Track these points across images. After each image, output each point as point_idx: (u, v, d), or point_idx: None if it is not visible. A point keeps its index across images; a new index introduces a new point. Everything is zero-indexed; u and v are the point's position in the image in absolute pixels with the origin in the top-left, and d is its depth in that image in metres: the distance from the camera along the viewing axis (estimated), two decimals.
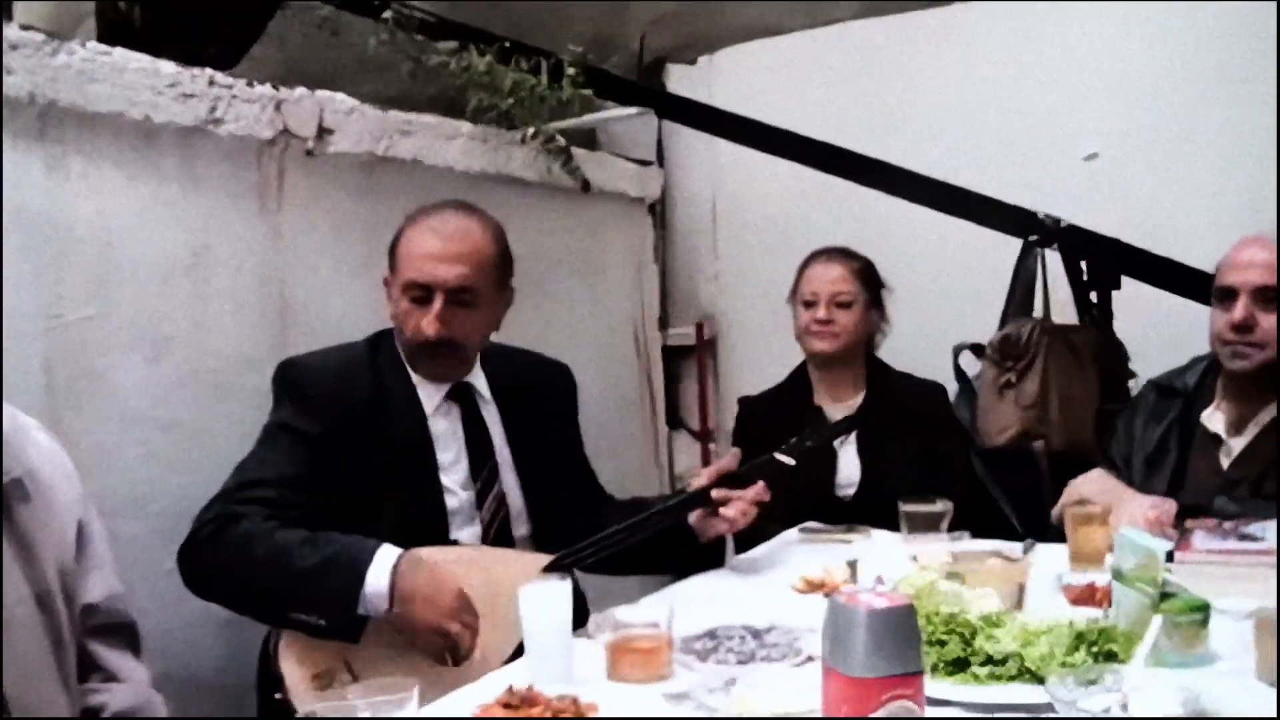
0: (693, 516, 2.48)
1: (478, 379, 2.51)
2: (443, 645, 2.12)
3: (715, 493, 2.44)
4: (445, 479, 2.40)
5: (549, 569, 2.22)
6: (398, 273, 2.39)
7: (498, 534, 2.43)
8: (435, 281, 2.33)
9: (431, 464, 2.40)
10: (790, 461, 2.56)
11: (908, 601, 1.36)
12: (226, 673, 2.65)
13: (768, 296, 3.62)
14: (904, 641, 1.33)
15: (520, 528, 2.48)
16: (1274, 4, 3.54)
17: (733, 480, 2.46)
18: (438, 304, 2.33)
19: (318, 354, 2.50)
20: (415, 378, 2.44)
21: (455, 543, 2.37)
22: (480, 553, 2.35)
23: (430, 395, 2.44)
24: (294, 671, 2.15)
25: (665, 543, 2.46)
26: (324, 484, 2.29)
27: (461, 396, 2.48)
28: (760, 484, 2.47)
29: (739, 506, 2.44)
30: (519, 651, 2.08)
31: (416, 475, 2.38)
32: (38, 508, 1.70)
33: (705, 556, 2.58)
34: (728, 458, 2.54)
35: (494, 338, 2.58)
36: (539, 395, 2.59)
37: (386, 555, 2.12)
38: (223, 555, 2.17)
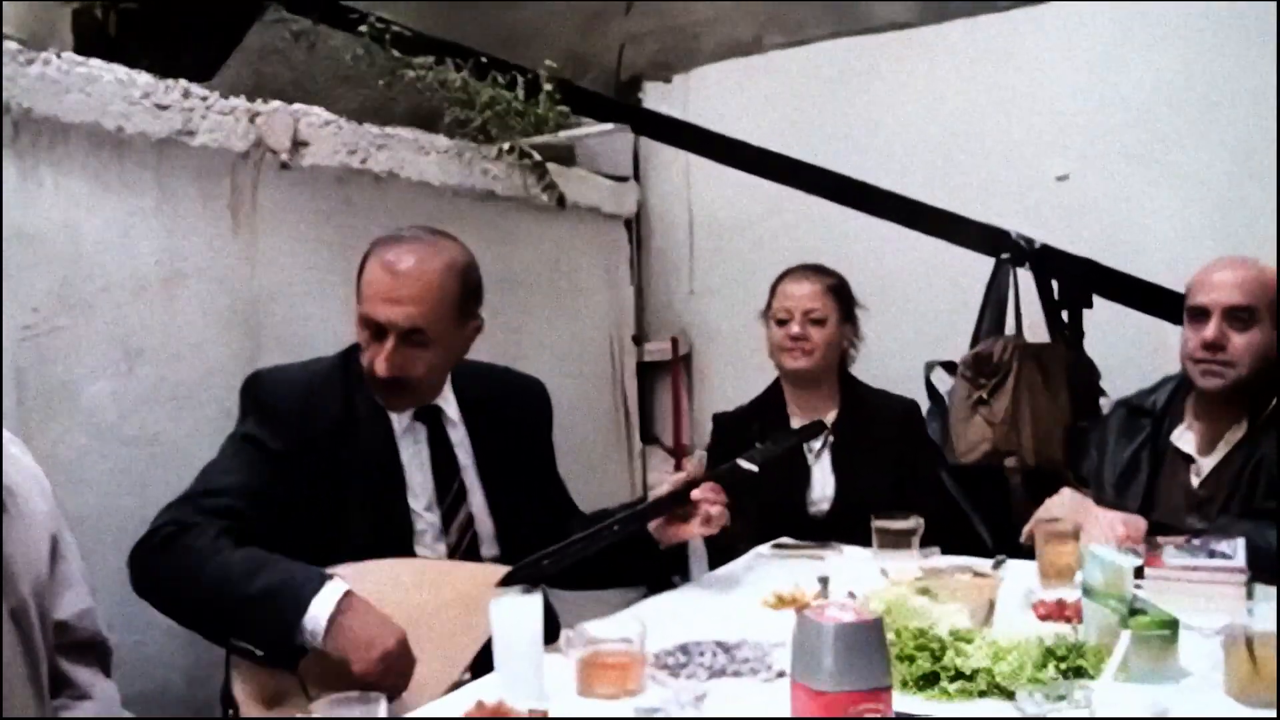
0: (652, 524, 2.44)
1: (446, 400, 2.48)
2: (372, 686, 2.08)
3: (696, 494, 2.41)
4: (412, 501, 2.37)
5: (506, 581, 2.19)
6: (358, 303, 2.35)
7: (465, 554, 2.40)
8: (386, 322, 2.28)
9: (399, 485, 2.37)
10: (753, 468, 2.54)
11: (875, 616, 1.36)
12: (196, 685, 2.64)
13: (743, 312, 3.62)
14: (872, 656, 1.34)
15: (488, 549, 2.44)
16: (1260, 16, 3.58)
17: (696, 488, 2.44)
18: (389, 344, 2.28)
19: (287, 369, 2.47)
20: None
21: None
22: (432, 565, 2.32)
23: (398, 416, 2.41)
24: (245, 689, 2.13)
25: (625, 552, 2.43)
26: (286, 500, 2.26)
27: (428, 418, 2.45)
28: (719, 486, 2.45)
29: (717, 502, 2.42)
30: (481, 660, 2.07)
31: (382, 496, 2.34)
32: (15, 524, 1.68)
33: (665, 565, 2.57)
34: (692, 465, 2.53)
35: (469, 351, 2.57)
36: (510, 413, 2.56)
37: (330, 594, 2.06)
38: (170, 565, 2.13)
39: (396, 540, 2.32)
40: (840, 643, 1.32)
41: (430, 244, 2.36)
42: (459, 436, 2.48)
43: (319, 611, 2.04)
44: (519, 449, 2.55)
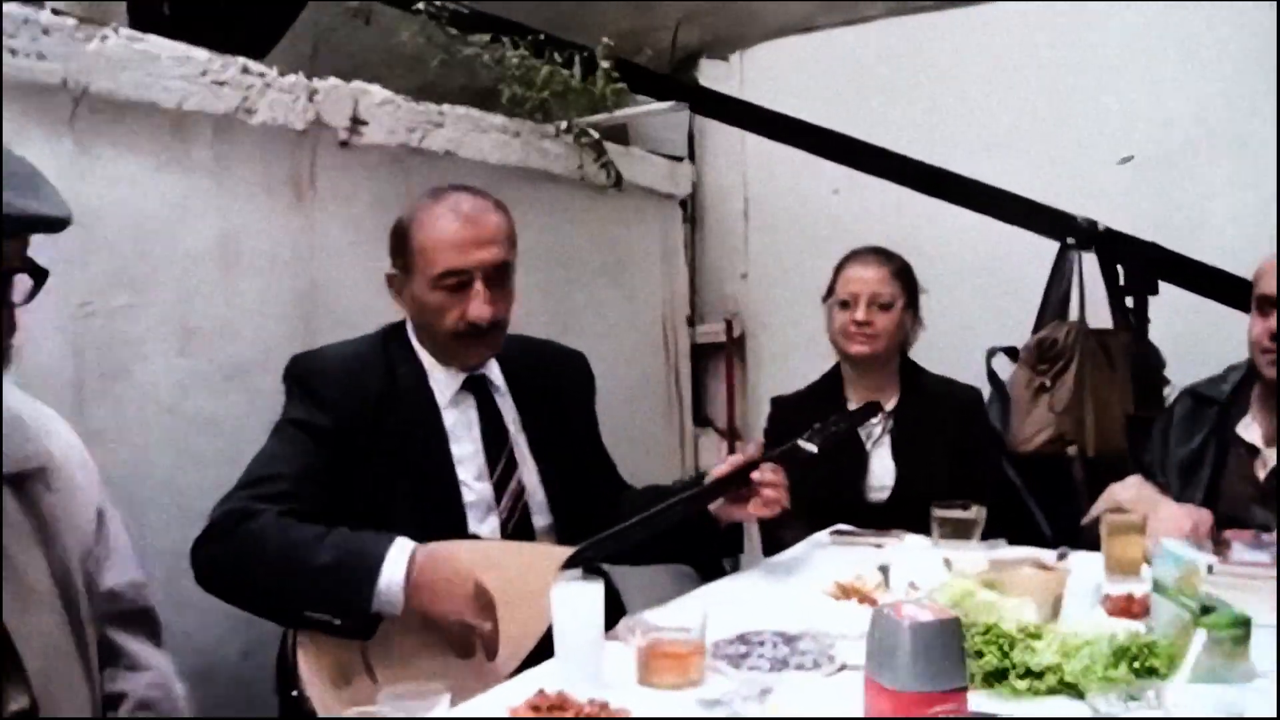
0: (714, 504, 2.43)
1: (492, 370, 2.48)
2: (464, 636, 2.10)
3: (756, 475, 2.39)
4: (461, 472, 2.37)
5: (570, 563, 2.19)
6: (421, 265, 2.34)
7: (517, 526, 2.40)
8: (475, 265, 2.30)
9: (447, 457, 2.37)
10: (813, 449, 2.53)
11: (952, 615, 1.33)
12: (249, 665, 2.64)
13: (798, 294, 3.60)
14: (949, 656, 1.31)
15: (540, 519, 2.44)
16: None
17: (756, 469, 2.41)
18: (480, 287, 2.30)
19: (329, 348, 2.48)
20: (429, 370, 2.42)
21: (474, 536, 2.35)
22: (498, 547, 2.32)
23: (444, 388, 2.41)
24: (310, 668, 2.12)
25: (684, 531, 2.42)
26: (338, 478, 2.27)
27: (476, 388, 2.44)
28: (778, 467, 2.43)
29: (777, 484, 2.40)
30: (540, 647, 2.07)
31: (432, 468, 2.35)
32: (60, 496, 1.70)
33: (724, 545, 2.56)
34: (751, 446, 2.51)
35: (518, 327, 2.56)
36: (555, 384, 2.56)
37: (400, 550, 2.10)
38: (235, 551, 2.14)
39: (447, 512, 2.33)
40: (918, 642, 1.29)
41: (471, 191, 2.42)
42: (506, 405, 2.48)
43: (394, 568, 2.08)
44: (565, 419, 2.55)
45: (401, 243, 2.39)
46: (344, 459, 2.28)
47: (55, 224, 1.48)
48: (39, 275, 1.55)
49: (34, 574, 1.60)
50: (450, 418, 2.40)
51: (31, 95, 2.36)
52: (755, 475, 2.39)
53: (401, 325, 2.46)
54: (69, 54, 2.42)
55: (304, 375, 2.38)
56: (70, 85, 2.43)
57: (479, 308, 2.30)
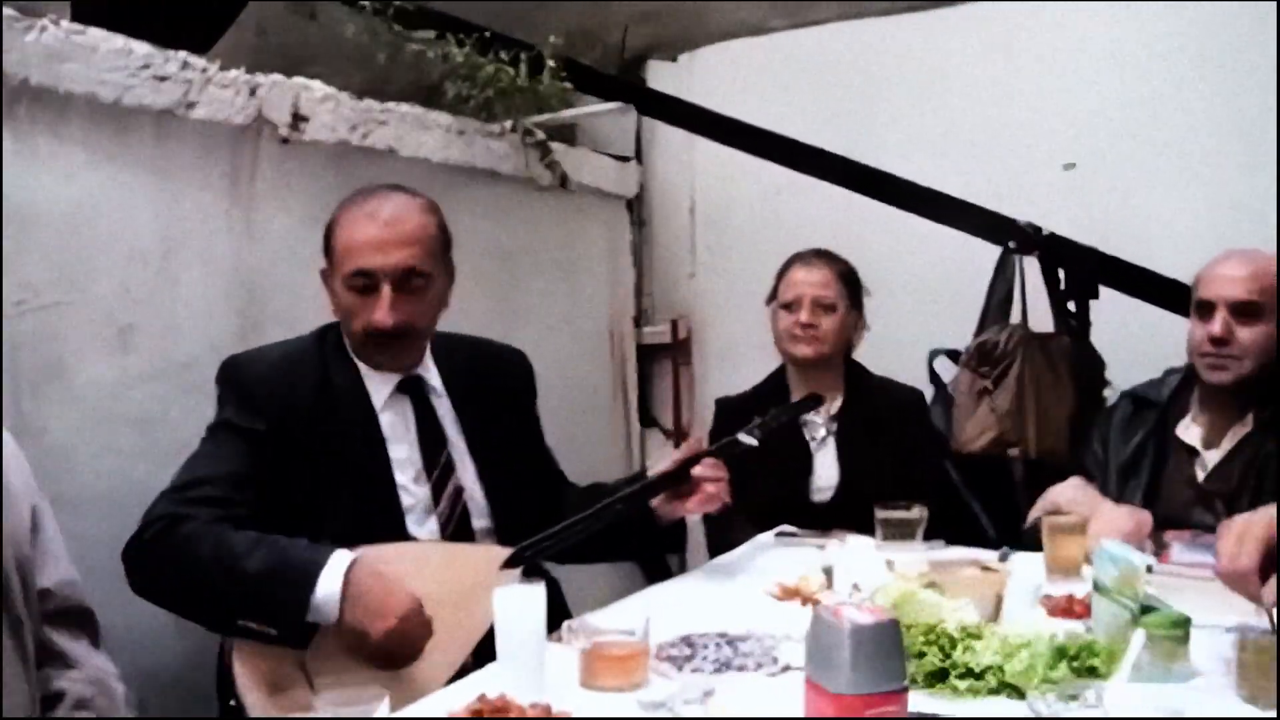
0: (655, 500, 2.43)
1: (428, 371, 2.46)
2: (389, 654, 2.06)
3: (697, 470, 2.39)
4: (399, 474, 2.35)
5: (509, 563, 2.18)
6: (338, 264, 2.32)
7: (457, 528, 2.37)
8: (381, 269, 2.26)
9: (383, 459, 2.34)
10: (753, 442, 2.52)
11: (892, 617, 1.34)
12: (190, 670, 2.60)
13: (744, 296, 3.59)
14: (889, 657, 1.31)
15: (480, 520, 2.41)
16: (1268, 5, 3.54)
17: (697, 464, 2.41)
18: (386, 292, 2.26)
19: (261, 349, 2.45)
20: (364, 371, 2.38)
21: (412, 539, 2.32)
22: (435, 548, 2.29)
23: (379, 389, 2.38)
24: (246, 676, 2.09)
25: (626, 529, 2.41)
26: (272, 482, 2.23)
27: (412, 389, 2.42)
28: (719, 462, 2.43)
29: (717, 480, 2.40)
30: (480, 649, 2.05)
31: (368, 471, 2.32)
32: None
33: (666, 542, 2.56)
34: (691, 441, 2.50)
35: (463, 328, 2.53)
36: (493, 383, 2.54)
37: (339, 562, 2.06)
38: (168, 557, 2.10)
39: (384, 516, 2.30)
40: (856, 644, 1.29)
41: (401, 191, 2.39)
42: (444, 407, 2.45)
43: (331, 580, 2.04)
44: (505, 419, 2.52)
45: (327, 240, 2.37)
46: (278, 462, 2.25)
47: None
48: None
49: None
50: (386, 420, 2.38)
51: None
52: (695, 470, 2.39)
53: (336, 326, 2.42)
54: (8, 45, 2.37)
55: (236, 377, 2.34)
56: (7, 77, 2.38)
57: (380, 313, 2.26)
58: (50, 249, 2.49)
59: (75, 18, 2.70)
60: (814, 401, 2.89)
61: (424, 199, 2.40)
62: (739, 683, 1.79)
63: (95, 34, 2.57)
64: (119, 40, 2.61)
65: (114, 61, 2.59)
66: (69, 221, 2.53)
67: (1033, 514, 2.71)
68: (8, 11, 2.39)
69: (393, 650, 2.06)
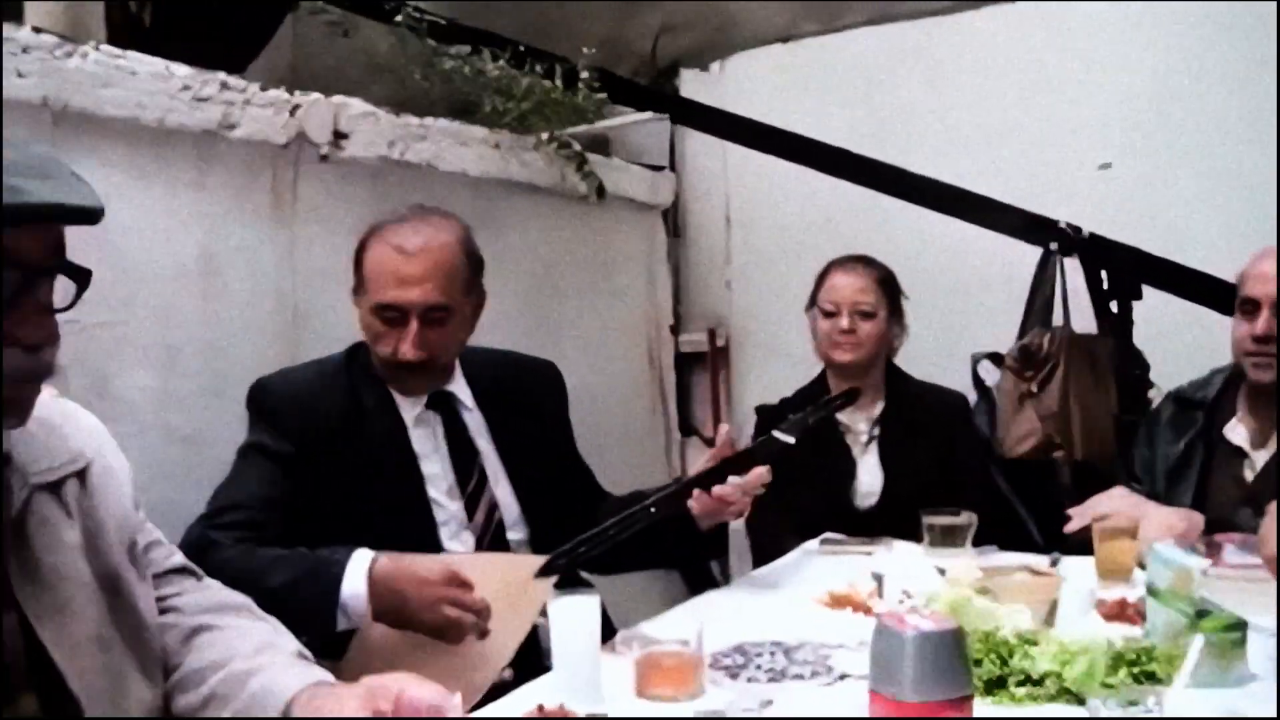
0: (693, 506, 2.36)
1: (458, 386, 2.46)
2: (449, 625, 2.02)
3: (716, 490, 2.34)
4: (432, 490, 2.35)
5: (544, 571, 2.16)
6: (366, 290, 2.32)
7: (492, 542, 2.37)
8: (408, 304, 2.26)
9: (416, 475, 2.35)
10: (789, 439, 2.48)
11: (956, 625, 1.33)
12: None
13: (781, 303, 3.59)
14: (953, 665, 1.30)
15: (515, 533, 2.42)
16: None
17: (733, 465, 2.37)
18: (413, 326, 2.27)
19: (290, 371, 2.47)
20: (393, 389, 2.40)
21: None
22: (468, 559, 2.27)
23: (409, 406, 2.39)
24: None
25: (664, 535, 2.37)
26: (303, 504, 2.24)
27: (442, 405, 2.42)
28: (763, 469, 2.38)
29: (742, 488, 2.34)
30: (520, 657, 2.05)
31: (401, 488, 2.32)
32: (105, 493, 1.61)
33: (706, 547, 2.50)
34: (723, 439, 2.44)
35: (502, 341, 2.53)
36: (525, 396, 2.53)
37: (360, 560, 2.05)
38: None
39: (419, 532, 2.30)
40: (921, 652, 1.28)
41: (431, 220, 2.37)
42: (475, 422, 2.46)
43: (355, 578, 2.04)
44: (537, 431, 2.52)
45: (357, 262, 2.37)
46: (309, 482, 2.25)
47: (87, 215, 1.35)
48: (80, 277, 1.41)
49: (73, 577, 1.51)
50: (417, 436, 2.38)
51: (12, 112, 2.33)
52: (717, 490, 2.33)
53: (365, 345, 2.42)
54: (48, 71, 2.40)
55: (265, 400, 2.36)
56: (50, 103, 2.41)
57: (407, 348, 2.27)
58: (96, 270, 2.50)
59: (112, 41, 2.73)
60: (850, 397, 2.85)
61: (454, 225, 2.39)
62: (795, 692, 1.78)
63: (135, 58, 2.59)
64: (159, 63, 2.63)
65: (154, 85, 2.61)
66: (113, 243, 2.55)
67: (1075, 524, 2.67)
68: (48, 39, 2.41)
69: (443, 620, 2.01)
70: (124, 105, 2.55)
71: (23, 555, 1.42)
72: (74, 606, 1.46)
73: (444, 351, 2.35)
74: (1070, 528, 2.60)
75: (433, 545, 2.31)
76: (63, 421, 1.57)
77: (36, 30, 2.42)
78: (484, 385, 2.49)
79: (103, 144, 2.54)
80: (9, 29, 2.36)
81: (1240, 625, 1.79)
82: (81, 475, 1.56)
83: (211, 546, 2.12)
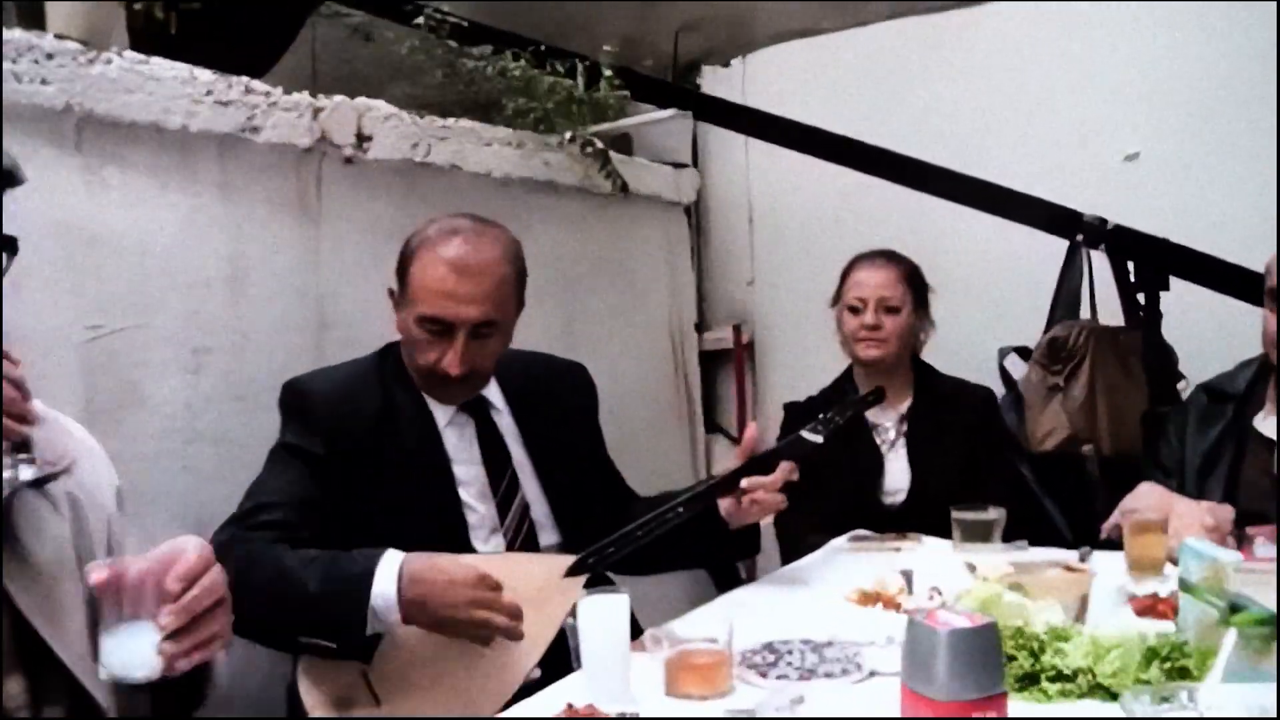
0: (723, 505, 2.38)
1: (490, 389, 2.46)
2: (480, 626, 2.04)
3: (744, 482, 2.34)
4: (463, 492, 2.36)
5: (573, 569, 2.17)
6: (412, 299, 2.31)
7: (523, 544, 2.38)
8: (457, 319, 2.26)
9: (448, 477, 2.35)
10: (818, 439, 2.48)
11: (990, 620, 1.32)
12: (270, 689, 2.62)
13: (806, 299, 3.58)
14: (987, 662, 1.30)
15: (547, 536, 2.42)
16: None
17: (761, 463, 2.38)
18: (460, 342, 2.26)
19: (322, 372, 2.47)
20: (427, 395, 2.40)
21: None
22: (497, 559, 2.27)
23: (442, 409, 2.39)
24: (312, 695, 2.11)
25: (695, 535, 2.38)
26: (334, 504, 2.24)
27: (474, 408, 2.42)
28: (789, 464, 2.38)
29: (765, 486, 2.35)
30: (548, 656, 2.05)
31: (433, 491, 2.32)
32: (84, 487, 1.64)
33: (737, 546, 2.50)
34: (748, 438, 2.43)
35: (527, 340, 2.54)
36: (555, 399, 2.54)
37: (390, 563, 2.06)
38: (230, 584, 2.12)
39: (450, 534, 2.30)
40: (955, 649, 1.28)
41: (483, 233, 2.35)
42: (506, 424, 2.46)
43: (385, 583, 2.04)
44: (568, 434, 2.52)
45: (403, 268, 2.36)
46: (340, 483, 2.26)
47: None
48: (7, 246, 1.37)
49: (67, 572, 1.54)
50: (449, 438, 2.39)
51: (37, 120, 2.35)
52: (744, 483, 2.34)
53: (398, 345, 2.43)
54: (72, 77, 2.41)
55: (296, 401, 2.36)
56: (75, 109, 2.42)
57: (450, 363, 2.26)
58: (122, 275, 2.53)
59: (134, 47, 2.74)
60: (877, 396, 2.85)
61: (505, 238, 2.38)
62: (826, 689, 1.78)
63: (158, 63, 2.60)
64: (182, 68, 2.64)
65: (177, 89, 2.61)
66: (139, 247, 2.56)
67: (1109, 523, 2.65)
68: (71, 45, 2.42)
69: (472, 621, 2.03)
70: (148, 110, 2.56)
71: (13, 548, 1.44)
72: (63, 598, 1.48)
73: (485, 365, 2.35)
74: (1105, 529, 2.58)
75: (464, 547, 2.31)
76: (49, 424, 1.59)
77: (59, 37, 2.43)
78: (515, 387, 2.49)
79: (127, 149, 2.55)
80: (33, 36, 2.37)
81: (1273, 619, 1.77)
82: (67, 474, 1.58)
83: (242, 547, 2.12)
